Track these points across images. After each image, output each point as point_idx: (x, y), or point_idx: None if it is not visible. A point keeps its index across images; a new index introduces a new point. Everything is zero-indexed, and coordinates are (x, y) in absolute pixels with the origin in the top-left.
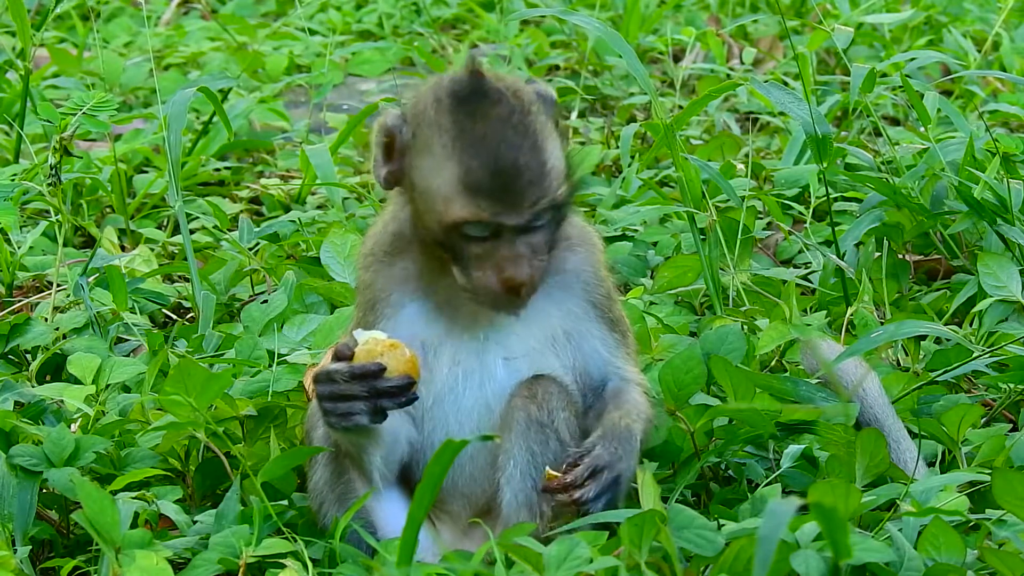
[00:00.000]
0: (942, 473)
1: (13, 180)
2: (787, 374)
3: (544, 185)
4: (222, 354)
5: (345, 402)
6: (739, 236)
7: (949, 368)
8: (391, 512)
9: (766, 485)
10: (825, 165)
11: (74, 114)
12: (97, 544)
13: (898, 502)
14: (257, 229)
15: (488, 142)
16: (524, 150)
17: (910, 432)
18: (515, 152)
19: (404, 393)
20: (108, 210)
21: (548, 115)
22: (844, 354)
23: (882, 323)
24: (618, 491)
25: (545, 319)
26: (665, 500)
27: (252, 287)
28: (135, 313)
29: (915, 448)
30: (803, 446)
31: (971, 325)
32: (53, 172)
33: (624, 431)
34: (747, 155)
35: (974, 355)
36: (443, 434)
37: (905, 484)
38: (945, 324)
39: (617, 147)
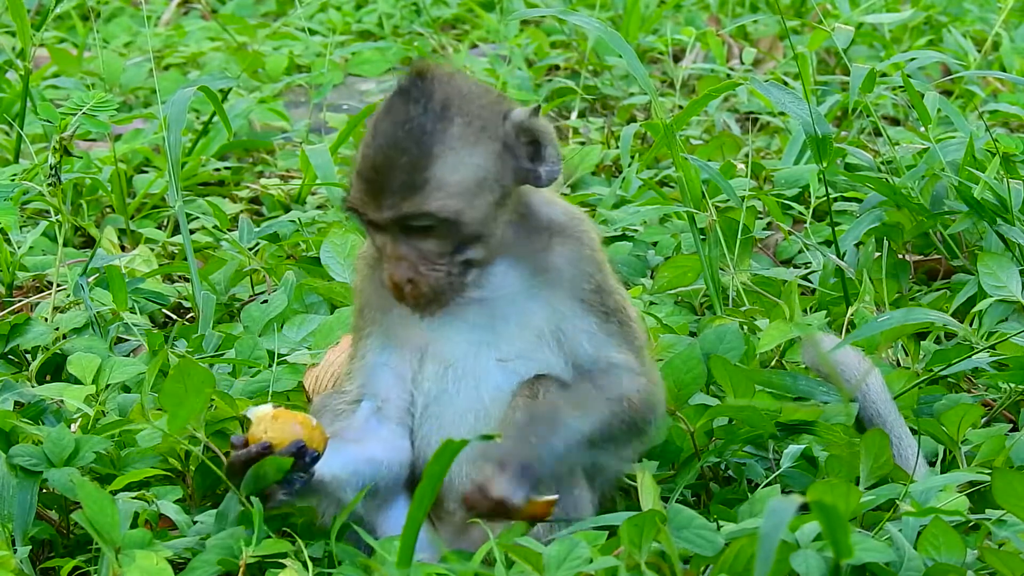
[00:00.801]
0: (942, 473)
1: (13, 180)
2: (787, 371)
3: (413, 192)
4: (222, 354)
5: (257, 487)
6: (739, 236)
7: (949, 363)
8: (393, 514)
9: (766, 485)
10: (825, 165)
11: (74, 114)
12: (97, 544)
13: (898, 502)
14: (257, 229)
15: (380, 136)
16: (405, 152)
17: (911, 430)
18: (394, 151)
19: (298, 461)
20: (108, 210)
21: (485, 135)
22: (848, 339)
23: None
24: (530, 476)
25: (531, 319)
26: (665, 500)
27: (252, 287)
28: (135, 313)
29: (917, 446)
30: (803, 446)
31: (971, 325)
32: (53, 172)
33: (538, 414)
34: (747, 155)
35: (975, 351)
36: (439, 436)
37: (905, 484)
38: (945, 324)
39: (617, 147)
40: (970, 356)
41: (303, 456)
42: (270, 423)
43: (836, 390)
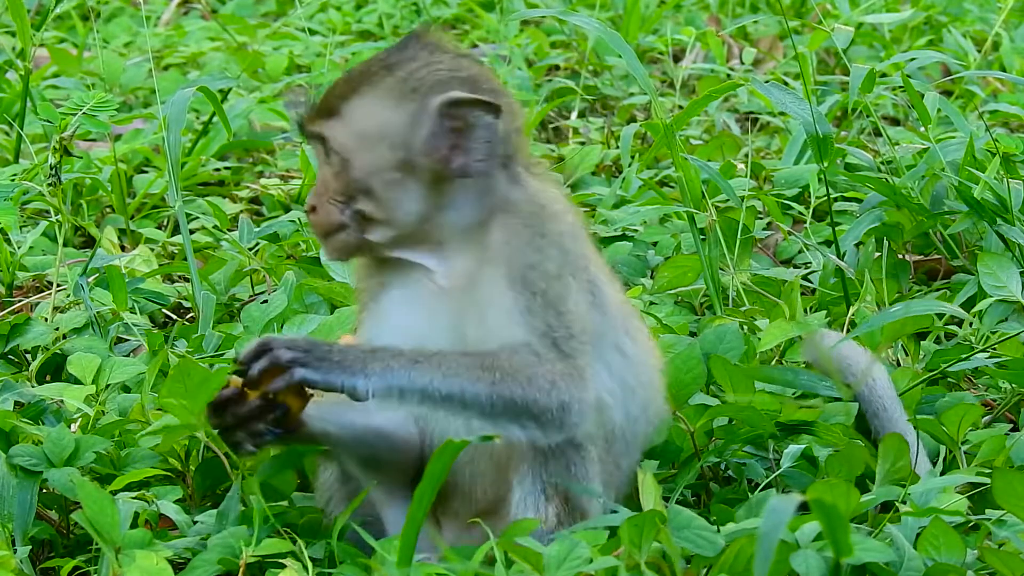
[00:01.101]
0: (943, 474)
1: (13, 180)
2: (787, 366)
3: (324, 115)
4: (222, 354)
5: (228, 435)
6: (739, 236)
7: (951, 361)
8: (399, 514)
9: (766, 485)
10: (825, 165)
11: (74, 114)
12: (97, 544)
13: (897, 504)
14: (257, 229)
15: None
16: (343, 84)
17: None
18: (340, 80)
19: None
20: (108, 210)
21: (411, 98)
22: (856, 331)
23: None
24: (319, 379)
25: (484, 303)
26: (665, 500)
27: (252, 287)
28: (135, 313)
29: (921, 443)
30: (803, 446)
31: (971, 325)
32: (53, 172)
33: (401, 352)
34: (747, 155)
35: (974, 350)
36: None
37: (904, 486)
38: (945, 324)
39: (617, 147)
40: (970, 356)
41: (271, 410)
42: None
43: (838, 385)
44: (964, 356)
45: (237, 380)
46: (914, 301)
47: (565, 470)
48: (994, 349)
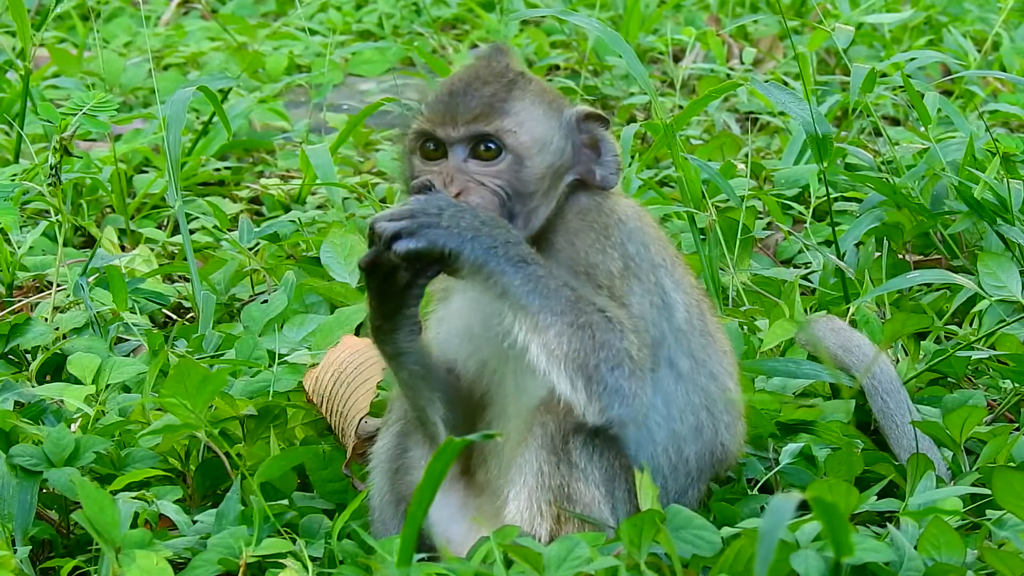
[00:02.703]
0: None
1: (13, 180)
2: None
3: (494, 115)
4: (222, 354)
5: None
6: (739, 236)
7: (947, 355)
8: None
9: (764, 483)
10: (825, 165)
11: (74, 114)
12: (97, 544)
13: (898, 515)
14: (257, 229)
15: (463, 72)
16: (488, 84)
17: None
18: (477, 82)
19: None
20: (108, 210)
21: (553, 109)
22: (877, 290)
23: (882, 323)
24: (422, 246)
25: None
26: None
27: (252, 287)
28: (135, 313)
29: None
30: (801, 444)
31: (971, 325)
32: (53, 172)
33: (513, 253)
34: (747, 155)
35: (974, 350)
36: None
37: (903, 487)
38: (945, 324)
39: None
40: (971, 353)
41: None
42: None
43: (842, 374)
44: (955, 351)
45: None
46: (933, 269)
47: (562, 489)
48: (993, 350)
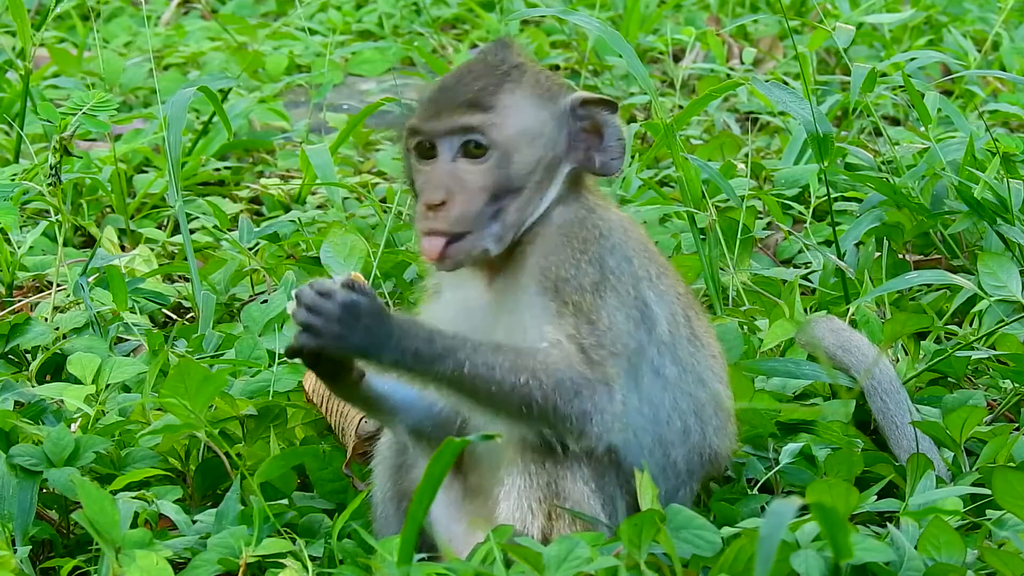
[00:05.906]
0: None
1: (13, 180)
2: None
3: (478, 110)
4: (222, 354)
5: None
6: (739, 236)
7: (947, 355)
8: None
9: (764, 482)
10: (825, 165)
11: (74, 114)
12: (97, 544)
13: (898, 515)
14: (257, 229)
15: (457, 69)
16: (478, 79)
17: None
18: (468, 76)
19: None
20: (108, 210)
21: (548, 100)
22: (878, 289)
23: (882, 323)
24: (314, 341)
25: (509, 306)
26: None
27: (252, 287)
28: (135, 313)
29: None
30: (801, 444)
31: (971, 325)
32: (53, 172)
33: (443, 333)
34: (747, 155)
35: (975, 349)
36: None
37: (903, 488)
38: (945, 324)
39: None
40: (971, 353)
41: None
42: None
43: (841, 374)
44: (963, 347)
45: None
46: (934, 269)
47: (550, 486)
48: (993, 349)
